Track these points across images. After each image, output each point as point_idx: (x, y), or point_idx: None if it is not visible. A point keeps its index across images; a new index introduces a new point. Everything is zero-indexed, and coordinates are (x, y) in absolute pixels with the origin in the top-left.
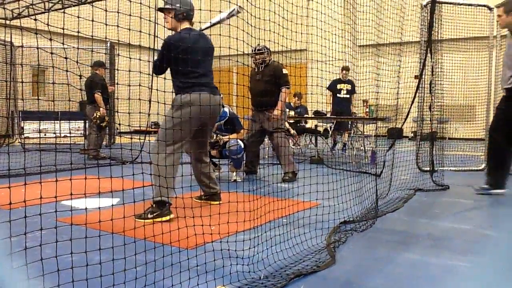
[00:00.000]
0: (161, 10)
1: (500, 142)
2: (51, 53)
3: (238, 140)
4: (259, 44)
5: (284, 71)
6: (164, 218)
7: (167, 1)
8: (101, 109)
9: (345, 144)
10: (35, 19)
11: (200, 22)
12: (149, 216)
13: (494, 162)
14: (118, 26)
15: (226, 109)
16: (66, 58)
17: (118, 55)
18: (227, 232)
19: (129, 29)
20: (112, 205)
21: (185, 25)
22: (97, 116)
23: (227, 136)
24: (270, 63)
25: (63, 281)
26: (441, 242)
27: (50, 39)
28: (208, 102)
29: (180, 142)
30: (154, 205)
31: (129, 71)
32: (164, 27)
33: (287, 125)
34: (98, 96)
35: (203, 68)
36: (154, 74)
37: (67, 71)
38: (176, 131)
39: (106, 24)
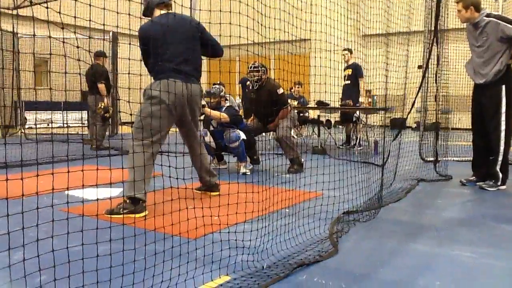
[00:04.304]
0: None
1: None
2: (63, 42)
3: (236, 130)
4: (255, 62)
5: (280, 91)
6: (137, 215)
7: None
8: (104, 99)
9: (349, 137)
10: (47, 6)
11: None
12: (121, 212)
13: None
14: (117, 12)
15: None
16: (78, 47)
17: (117, 41)
18: (230, 222)
19: (129, 14)
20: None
21: (161, 10)
22: (101, 107)
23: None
24: (265, 83)
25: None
26: (444, 232)
27: (64, 25)
28: (180, 90)
29: (157, 134)
30: (127, 201)
31: (129, 59)
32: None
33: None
34: (102, 86)
35: (179, 54)
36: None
37: (79, 59)
38: (148, 124)
39: (112, 10)
